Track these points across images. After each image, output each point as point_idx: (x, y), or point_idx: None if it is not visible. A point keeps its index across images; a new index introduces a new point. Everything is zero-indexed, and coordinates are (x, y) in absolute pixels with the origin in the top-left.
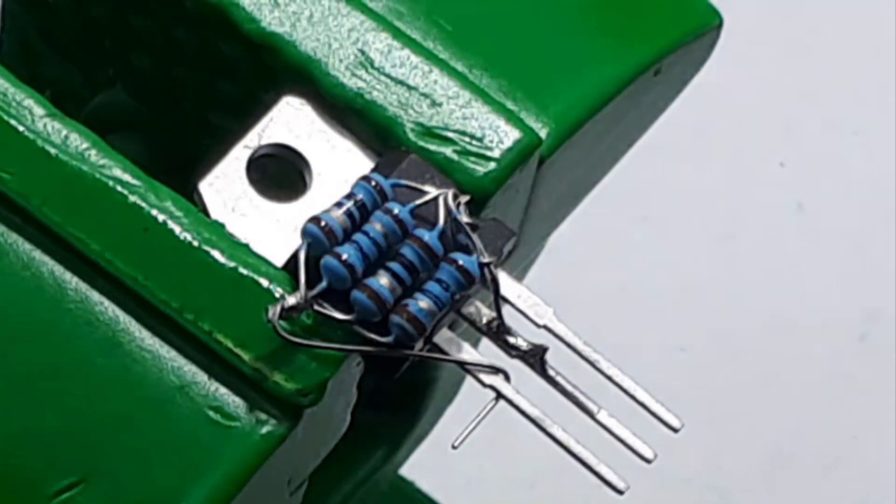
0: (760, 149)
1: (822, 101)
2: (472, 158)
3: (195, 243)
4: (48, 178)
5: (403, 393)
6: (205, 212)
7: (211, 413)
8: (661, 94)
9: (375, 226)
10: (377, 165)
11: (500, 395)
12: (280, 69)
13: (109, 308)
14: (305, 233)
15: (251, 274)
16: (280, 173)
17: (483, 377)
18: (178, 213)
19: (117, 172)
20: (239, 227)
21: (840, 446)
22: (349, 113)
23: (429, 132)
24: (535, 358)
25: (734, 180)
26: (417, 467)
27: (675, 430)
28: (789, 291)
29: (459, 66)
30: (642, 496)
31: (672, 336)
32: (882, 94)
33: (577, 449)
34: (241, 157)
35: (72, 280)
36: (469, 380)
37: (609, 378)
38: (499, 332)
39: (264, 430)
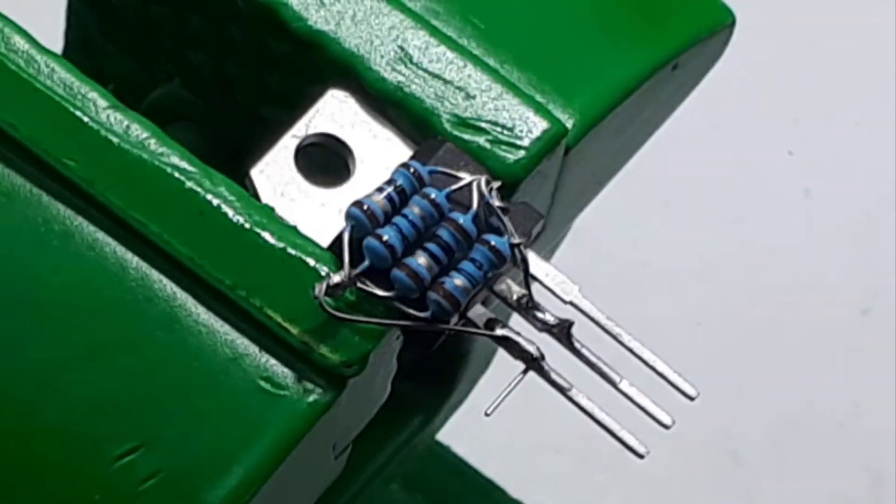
0: (770, 139)
1: (827, 95)
2: (504, 147)
3: (247, 225)
4: (111, 165)
5: (440, 364)
6: (256, 196)
7: (262, 383)
8: (679, 88)
9: (414, 209)
10: (415, 153)
11: (529, 366)
12: (325, 64)
13: (168, 286)
14: (349, 216)
15: (299, 254)
16: (326, 161)
17: (514, 349)
18: (231, 198)
19: (175, 160)
20: (287, 211)
21: (844, 413)
22: (390, 105)
23: (463, 122)
24: (562, 331)
25: (746, 168)
26: (453, 433)
27: (692, 399)
28: (797, 270)
29: (492, 62)
30: (661, 460)
31: (688, 311)
32: (882, 89)
33: (600, 416)
34: (290, 146)
35: (133, 260)
36: (501, 351)
37: (630, 350)
38: (528, 308)
39: (311, 398)
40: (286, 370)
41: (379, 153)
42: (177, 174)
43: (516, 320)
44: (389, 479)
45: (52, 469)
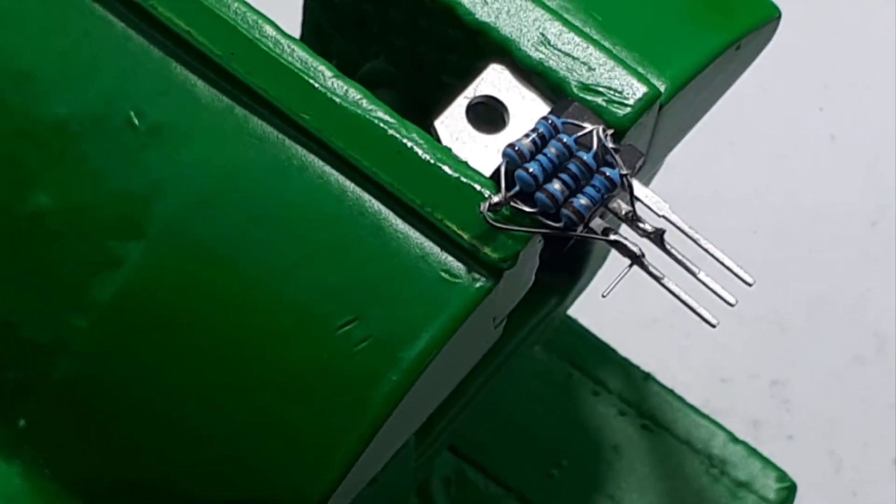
0: (806, 99)
1: (847, 68)
2: (615, 105)
3: (431, 161)
4: (334, 117)
5: (570, 260)
6: (438, 140)
7: (442, 274)
8: (740, 63)
9: (551, 150)
10: (552, 110)
11: (634, 261)
12: (488, 46)
13: (375, 204)
14: (504, 154)
15: (469, 181)
16: (488, 115)
17: (623, 249)
18: (421, 142)
19: (380, 114)
20: (460, 151)
21: (858, 294)
22: (534, 75)
23: (587, 87)
24: (657, 237)
25: (788, 119)
26: (580, 310)
27: (749, 284)
28: (825, 192)
29: (606, 44)
30: (726, 329)
31: (747, 223)
32: (885, 66)
33: (684, 297)
34: (462, 104)
35: (350, 185)
36: (613, 251)
37: (705, 249)
38: (633, 220)
39: (478, 285)
40: (460, 265)
41: (526, 109)
42: (381, 124)
43: (624, 229)
44: (533, 343)
45: (293, 336)
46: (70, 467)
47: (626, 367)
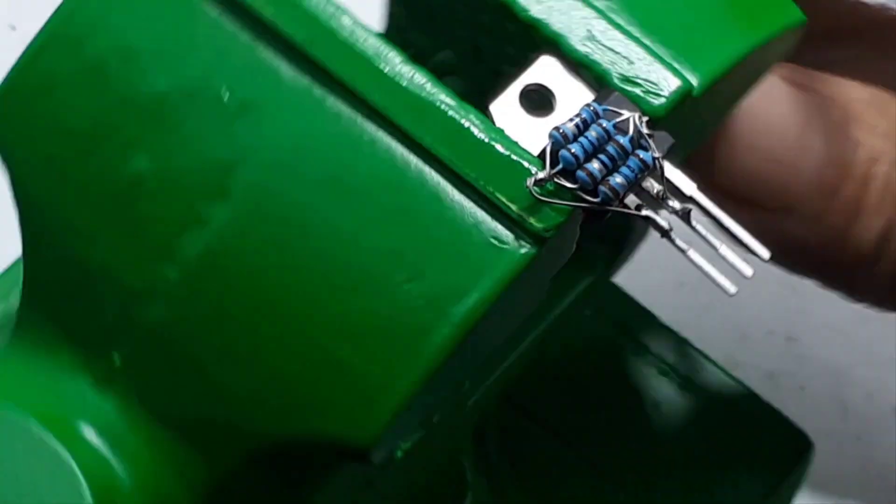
0: None
1: None
2: (651, 96)
3: (486, 140)
4: (401, 98)
5: (616, 234)
6: (493, 122)
7: (492, 240)
8: (767, 64)
9: (592, 133)
10: (595, 98)
11: (664, 235)
12: (541, 40)
13: (434, 176)
14: (550, 136)
15: (518, 159)
16: (538, 101)
17: (653, 224)
18: (477, 122)
19: (441, 97)
20: (513, 132)
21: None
22: (580, 67)
23: (627, 80)
24: (684, 214)
25: None
26: (621, 277)
27: (765, 260)
28: None
29: (646, 42)
30: (745, 291)
31: None
32: None
33: (707, 267)
34: (516, 91)
35: (412, 158)
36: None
37: (726, 228)
38: (663, 198)
39: (523, 250)
40: (508, 233)
41: (572, 97)
42: (442, 106)
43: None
44: (582, 306)
45: (356, 289)
46: (158, 401)
47: (664, 332)
